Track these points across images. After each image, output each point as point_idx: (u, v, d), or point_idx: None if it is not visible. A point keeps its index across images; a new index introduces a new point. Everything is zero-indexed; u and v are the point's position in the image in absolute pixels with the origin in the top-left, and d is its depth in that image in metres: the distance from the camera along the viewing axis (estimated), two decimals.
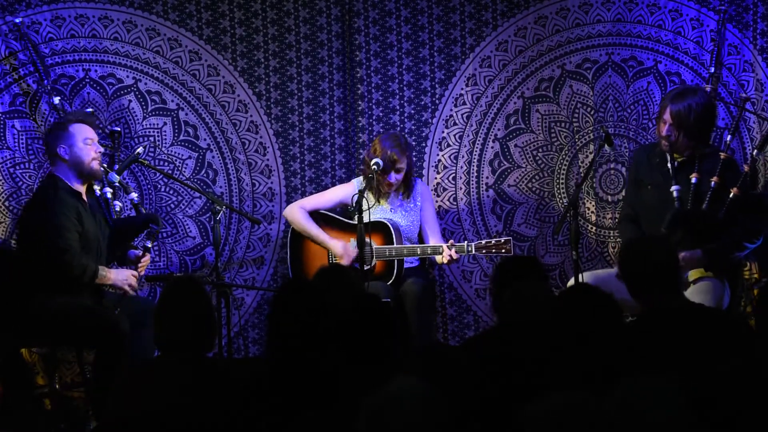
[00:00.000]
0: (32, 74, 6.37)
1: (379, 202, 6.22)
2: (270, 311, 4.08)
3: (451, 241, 6.05)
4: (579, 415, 2.65)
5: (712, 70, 6.21)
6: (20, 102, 6.38)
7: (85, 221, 5.57)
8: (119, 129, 6.36)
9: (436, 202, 6.50)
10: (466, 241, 6.07)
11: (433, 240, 6.22)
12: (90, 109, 6.33)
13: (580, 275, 5.42)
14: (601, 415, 2.66)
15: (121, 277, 5.64)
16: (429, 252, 6.10)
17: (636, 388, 2.76)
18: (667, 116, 5.69)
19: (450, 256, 5.96)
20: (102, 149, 5.69)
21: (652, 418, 2.71)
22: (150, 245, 5.81)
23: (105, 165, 5.95)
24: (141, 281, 6.35)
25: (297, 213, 6.30)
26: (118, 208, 6.16)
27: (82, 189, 5.66)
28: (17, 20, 6.31)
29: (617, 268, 4.31)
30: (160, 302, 4.12)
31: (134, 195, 5.84)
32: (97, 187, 5.96)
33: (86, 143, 5.60)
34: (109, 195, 6.07)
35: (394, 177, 6.15)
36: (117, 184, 5.95)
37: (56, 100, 6.28)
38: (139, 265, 5.80)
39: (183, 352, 3.99)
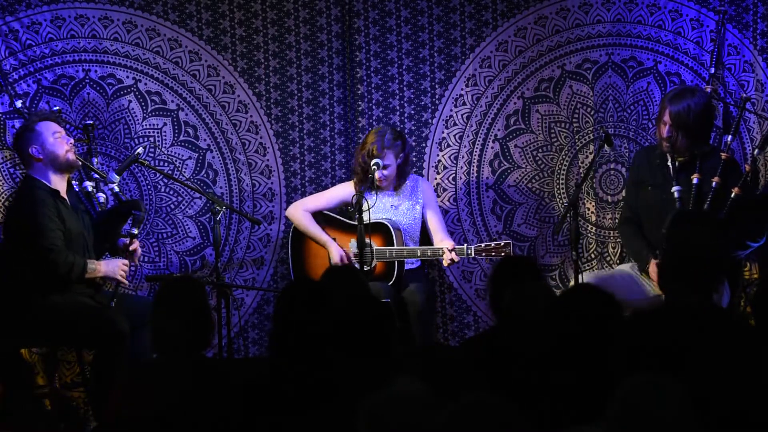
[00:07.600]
0: None
1: (372, 189, 6.11)
2: (274, 311, 4.09)
3: (452, 243, 6.04)
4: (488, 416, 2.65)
5: (713, 70, 6.21)
6: (20, 102, 6.37)
7: (66, 219, 5.59)
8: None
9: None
10: (465, 244, 6.06)
11: (438, 238, 6.20)
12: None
13: (580, 276, 5.42)
14: (513, 414, 2.66)
15: (111, 267, 5.65)
16: (429, 254, 6.09)
17: (639, 387, 2.76)
18: (666, 117, 5.72)
19: (451, 259, 5.96)
20: (72, 140, 5.73)
21: (655, 417, 2.71)
22: (136, 232, 5.80)
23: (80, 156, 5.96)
24: (139, 277, 6.37)
25: (299, 213, 6.30)
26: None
27: (61, 186, 5.67)
28: None
29: (661, 251, 4.33)
30: (153, 303, 4.14)
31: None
32: (75, 182, 5.97)
33: (56, 137, 5.65)
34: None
35: (380, 173, 6.10)
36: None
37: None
38: (134, 253, 5.78)
39: (179, 352, 3.99)
